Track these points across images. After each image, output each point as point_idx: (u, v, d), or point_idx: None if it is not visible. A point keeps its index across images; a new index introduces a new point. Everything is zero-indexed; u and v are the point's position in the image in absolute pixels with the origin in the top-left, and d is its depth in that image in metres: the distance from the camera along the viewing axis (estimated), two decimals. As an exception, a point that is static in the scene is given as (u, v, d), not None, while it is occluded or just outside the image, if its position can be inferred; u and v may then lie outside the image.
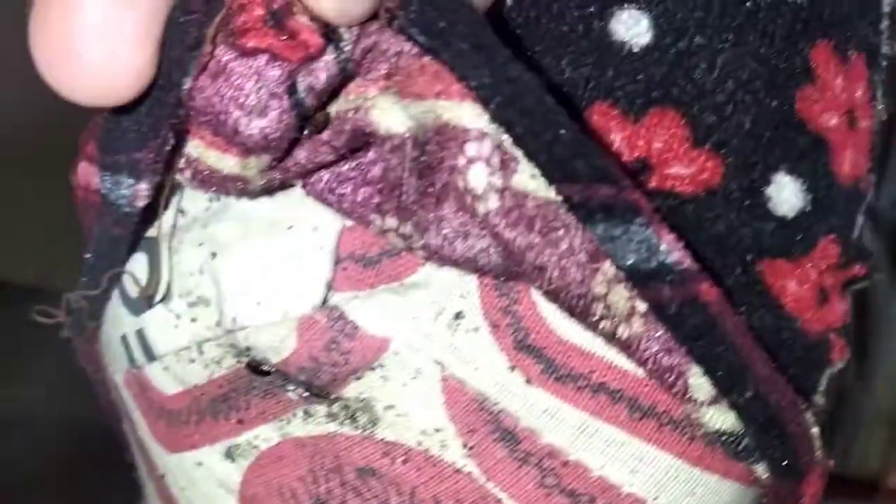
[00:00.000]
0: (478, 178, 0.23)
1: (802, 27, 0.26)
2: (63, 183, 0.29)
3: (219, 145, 0.25)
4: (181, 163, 0.26)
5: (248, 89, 0.23)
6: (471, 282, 0.25)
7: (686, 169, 0.25)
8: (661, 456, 0.25)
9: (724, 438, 0.24)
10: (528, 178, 0.23)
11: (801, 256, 0.26)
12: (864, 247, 0.28)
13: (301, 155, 0.25)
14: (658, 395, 0.25)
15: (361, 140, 0.24)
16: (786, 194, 0.26)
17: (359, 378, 0.26)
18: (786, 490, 0.26)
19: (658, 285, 0.23)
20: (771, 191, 0.26)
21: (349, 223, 0.26)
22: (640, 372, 0.24)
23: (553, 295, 0.24)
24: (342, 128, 0.24)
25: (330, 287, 0.26)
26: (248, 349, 0.27)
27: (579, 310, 0.24)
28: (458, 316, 0.25)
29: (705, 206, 0.25)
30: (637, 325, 0.23)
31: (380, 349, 0.25)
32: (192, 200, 0.28)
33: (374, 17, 0.23)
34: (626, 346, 0.24)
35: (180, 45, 0.24)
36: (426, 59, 0.23)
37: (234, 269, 0.27)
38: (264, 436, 0.27)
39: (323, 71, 0.23)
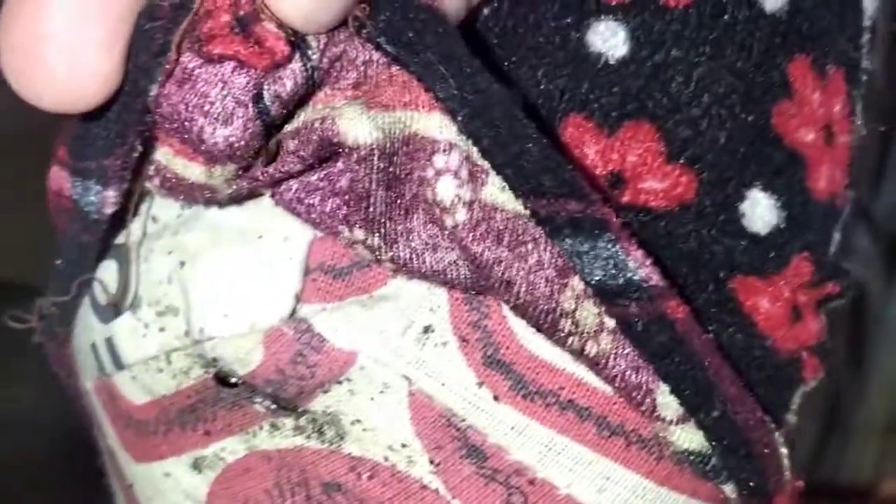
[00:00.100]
0: (446, 190, 0.23)
1: (780, 41, 0.26)
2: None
3: (186, 153, 0.24)
4: (150, 170, 0.26)
5: (214, 97, 0.23)
6: (441, 295, 0.25)
7: (660, 183, 0.25)
8: (628, 475, 0.25)
9: (692, 458, 0.24)
10: (498, 191, 0.23)
11: (773, 274, 0.26)
12: (839, 264, 0.27)
13: (268, 164, 0.25)
14: (627, 414, 0.24)
15: (329, 150, 0.24)
16: (760, 210, 0.26)
17: (326, 391, 0.26)
18: None
19: (625, 302, 0.23)
20: (745, 207, 0.26)
21: (319, 234, 0.26)
22: (609, 390, 0.24)
23: (521, 310, 0.24)
24: (309, 137, 0.24)
25: (298, 298, 0.26)
26: (215, 360, 0.26)
27: (547, 325, 0.23)
28: (427, 330, 0.25)
29: (678, 221, 0.25)
30: (605, 341, 0.23)
31: (346, 363, 0.25)
32: (164, 208, 0.28)
33: (342, 24, 0.23)
34: (595, 363, 0.24)
35: (146, 52, 0.23)
36: (395, 68, 0.23)
37: (203, 279, 0.26)
38: (231, 448, 0.27)
39: (289, 79, 0.23)
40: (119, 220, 0.27)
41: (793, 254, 0.26)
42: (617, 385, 0.24)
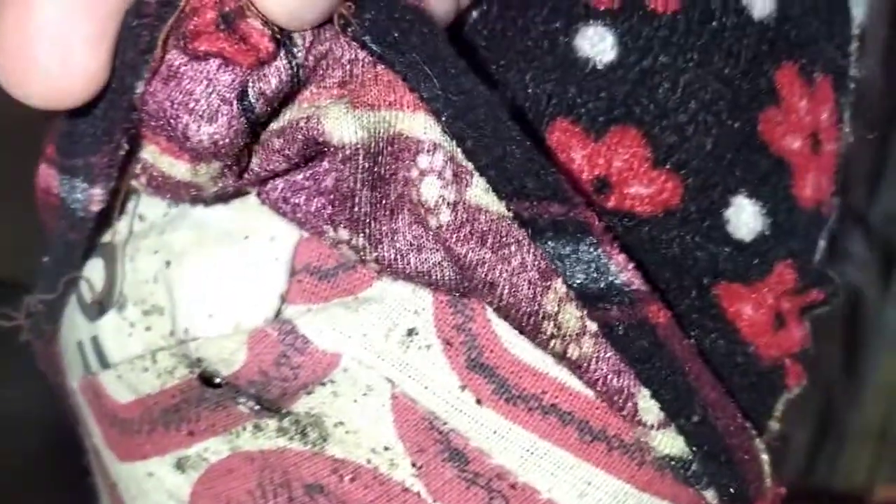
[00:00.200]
0: (430, 190, 0.23)
1: (768, 48, 0.26)
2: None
3: (172, 151, 0.24)
4: (137, 168, 0.26)
5: (199, 94, 0.23)
6: (425, 298, 0.25)
7: (645, 189, 0.25)
8: (610, 480, 0.25)
9: (672, 463, 0.24)
10: (482, 192, 0.23)
11: (757, 281, 0.26)
12: (824, 272, 0.27)
13: (254, 162, 0.25)
14: (609, 419, 0.24)
15: (315, 149, 0.24)
16: (745, 217, 0.26)
17: (309, 393, 0.25)
18: None
19: (606, 306, 0.23)
20: (730, 213, 0.26)
21: (306, 235, 0.26)
22: (591, 394, 0.24)
23: (504, 312, 0.24)
24: (294, 136, 0.24)
25: (284, 299, 0.26)
26: (199, 360, 0.26)
27: (529, 328, 0.23)
28: (411, 332, 0.25)
29: (663, 226, 0.25)
30: (587, 345, 0.23)
31: (330, 365, 0.25)
32: (151, 206, 0.28)
33: (328, 22, 0.23)
34: (577, 367, 0.24)
35: (133, 49, 0.23)
36: (380, 67, 0.23)
37: (188, 279, 0.26)
38: (214, 448, 0.27)
39: (274, 76, 0.23)
40: (106, 218, 0.27)
41: (776, 261, 0.26)
42: (598, 389, 0.24)
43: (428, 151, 0.23)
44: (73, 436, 0.33)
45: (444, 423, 0.25)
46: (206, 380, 0.26)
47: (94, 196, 0.26)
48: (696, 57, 0.25)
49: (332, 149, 0.24)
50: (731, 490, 0.24)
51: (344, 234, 0.24)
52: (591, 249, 0.23)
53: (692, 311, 0.25)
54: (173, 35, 0.23)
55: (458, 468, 0.25)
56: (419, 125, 0.23)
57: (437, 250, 0.24)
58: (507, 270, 0.23)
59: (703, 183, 0.25)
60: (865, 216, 0.94)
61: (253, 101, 0.23)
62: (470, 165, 0.23)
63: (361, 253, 0.24)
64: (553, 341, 0.23)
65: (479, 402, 0.25)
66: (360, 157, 0.23)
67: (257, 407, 0.26)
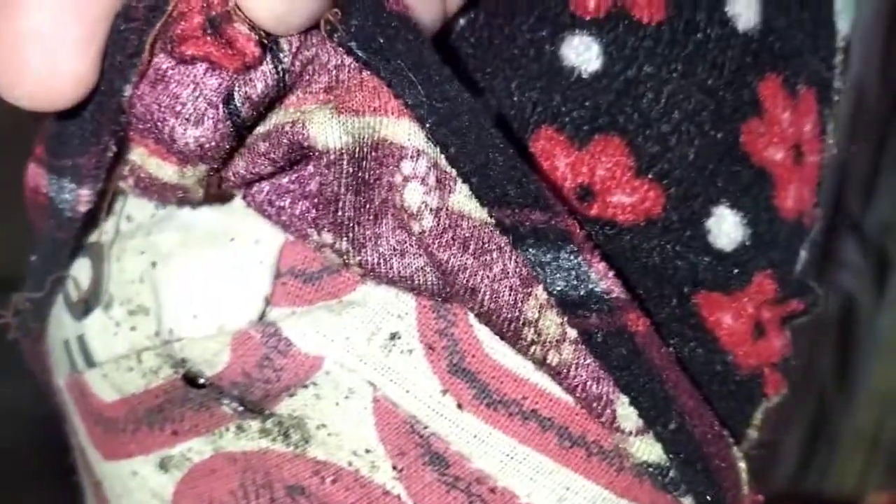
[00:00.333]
0: (413, 196, 0.23)
1: (752, 60, 0.26)
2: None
3: (160, 153, 0.25)
4: (125, 170, 0.26)
5: (185, 98, 0.23)
6: (408, 302, 0.25)
7: (628, 197, 0.25)
8: (588, 486, 0.25)
9: (650, 470, 0.24)
10: (465, 199, 0.23)
11: (737, 290, 0.26)
12: (805, 281, 0.28)
13: (240, 165, 0.25)
14: (588, 425, 0.25)
15: (300, 153, 0.24)
16: (726, 227, 0.26)
17: (292, 395, 0.26)
18: None
19: (586, 313, 0.23)
20: (711, 223, 0.26)
21: (291, 238, 0.26)
22: (571, 400, 0.24)
23: (485, 318, 0.24)
24: (280, 140, 0.24)
25: (268, 302, 0.26)
26: (184, 361, 0.26)
27: (510, 333, 0.24)
28: (394, 337, 0.25)
29: (644, 235, 0.25)
30: (567, 352, 0.23)
31: (313, 367, 0.25)
32: (139, 207, 0.28)
33: (315, 28, 0.23)
34: (556, 373, 0.24)
35: (122, 53, 0.23)
36: (365, 73, 0.23)
37: (174, 280, 0.27)
38: (197, 448, 0.27)
39: (260, 80, 0.23)
40: (93, 218, 0.27)
41: (756, 271, 0.26)
42: (578, 395, 0.24)
43: (411, 157, 0.23)
44: (61, 433, 0.33)
45: (425, 427, 0.25)
46: (191, 380, 0.27)
47: (82, 196, 0.26)
48: (680, 68, 0.25)
49: (316, 153, 0.24)
50: (708, 497, 0.25)
51: (328, 237, 0.25)
52: (572, 257, 0.23)
53: (672, 320, 0.25)
54: (161, 39, 0.23)
55: (439, 472, 0.25)
56: (403, 131, 0.23)
57: (420, 255, 0.24)
58: (488, 276, 0.23)
59: (685, 193, 0.25)
60: (860, 224, 0.95)
61: (239, 104, 0.23)
62: (453, 172, 0.23)
63: (345, 257, 0.25)
64: (533, 347, 0.24)
65: (459, 406, 0.25)
66: (345, 162, 0.24)
67: (241, 408, 0.26)
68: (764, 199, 0.26)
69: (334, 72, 0.23)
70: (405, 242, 0.24)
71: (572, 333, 0.23)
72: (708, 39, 0.26)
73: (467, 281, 0.23)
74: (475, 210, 0.23)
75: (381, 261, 0.24)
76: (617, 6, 0.25)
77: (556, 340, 0.23)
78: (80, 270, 0.28)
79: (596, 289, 0.23)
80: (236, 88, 0.23)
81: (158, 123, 0.24)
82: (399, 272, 0.24)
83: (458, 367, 0.25)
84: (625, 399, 0.23)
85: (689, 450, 0.24)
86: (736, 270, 0.26)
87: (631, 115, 0.25)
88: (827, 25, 0.28)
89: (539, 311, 0.23)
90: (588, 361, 0.23)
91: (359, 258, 0.24)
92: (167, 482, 0.27)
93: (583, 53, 0.25)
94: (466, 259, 0.23)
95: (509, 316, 0.23)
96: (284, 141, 0.24)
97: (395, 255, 0.24)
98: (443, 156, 0.23)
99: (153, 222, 0.28)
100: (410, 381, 0.25)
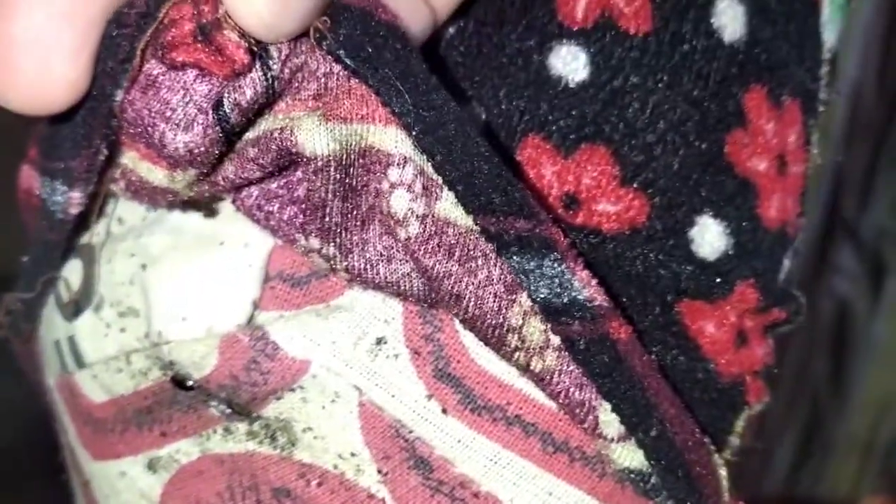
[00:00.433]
0: (399, 202, 0.23)
1: (738, 71, 0.26)
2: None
3: (150, 157, 0.25)
4: (116, 173, 0.26)
5: (175, 103, 0.24)
6: (395, 307, 0.25)
7: (613, 206, 0.26)
8: (571, 491, 0.25)
9: (632, 476, 0.25)
10: (451, 206, 0.23)
11: (719, 299, 0.26)
12: (788, 290, 0.28)
13: (229, 170, 0.25)
14: (571, 431, 0.25)
15: (288, 159, 0.25)
16: (709, 237, 0.26)
17: (279, 398, 0.26)
18: None
19: (569, 320, 0.23)
20: (694, 233, 0.26)
21: (280, 242, 0.26)
22: (555, 406, 0.25)
23: (470, 324, 0.24)
24: (269, 146, 0.24)
25: (256, 305, 0.26)
26: (172, 363, 0.27)
27: (494, 340, 0.24)
28: (380, 341, 0.25)
29: (628, 244, 0.26)
30: (550, 358, 0.24)
31: (299, 371, 0.26)
32: (130, 210, 0.28)
33: (304, 35, 0.23)
34: (540, 379, 0.24)
35: (113, 58, 0.24)
36: (354, 81, 0.23)
37: (163, 283, 0.27)
38: (185, 450, 0.27)
39: (249, 87, 0.23)
40: (85, 220, 0.28)
41: (739, 280, 0.27)
42: (561, 401, 0.24)
43: (398, 165, 0.23)
44: (52, 432, 0.33)
45: (410, 432, 0.25)
46: (179, 382, 0.27)
47: (74, 199, 0.26)
48: (665, 78, 0.26)
49: (304, 159, 0.24)
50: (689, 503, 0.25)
51: (315, 242, 0.25)
52: (556, 265, 0.23)
53: (655, 328, 0.26)
54: (152, 45, 0.23)
55: (423, 476, 0.25)
56: (390, 139, 0.23)
57: (407, 261, 0.24)
58: (473, 283, 0.23)
59: (670, 202, 0.26)
60: (856, 229, 0.95)
61: (228, 111, 0.23)
62: (439, 179, 0.23)
63: (332, 262, 0.25)
64: (517, 353, 0.24)
65: (444, 411, 0.25)
66: (332, 169, 0.24)
67: (228, 410, 0.26)
68: (747, 208, 0.27)
69: (323, 79, 0.24)
70: (392, 248, 0.24)
71: (556, 340, 0.23)
72: (694, 51, 0.26)
73: (452, 287, 0.23)
74: (461, 217, 0.23)
75: (368, 266, 0.24)
76: (604, 17, 0.26)
77: (540, 347, 0.23)
78: (72, 272, 0.29)
79: (579, 296, 0.23)
80: (226, 95, 0.23)
81: (149, 128, 0.24)
82: (385, 277, 0.24)
83: (443, 372, 0.25)
84: (607, 406, 0.24)
85: (670, 457, 0.24)
86: (718, 279, 0.26)
87: (617, 124, 0.26)
88: (813, 37, 0.28)
89: (523, 318, 0.23)
90: (571, 368, 0.24)
91: (346, 263, 0.25)
92: (155, 483, 0.28)
93: (570, 63, 0.26)
94: (452, 265, 0.23)
95: (493, 322, 0.24)
96: (273, 147, 0.24)
97: (382, 261, 0.24)
98: (429, 163, 0.23)
99: (144, 225, 0.28)
100: (396, 386, 0.25)
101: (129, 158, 0.25)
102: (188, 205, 0.27)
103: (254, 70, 0.23)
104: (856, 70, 0.83)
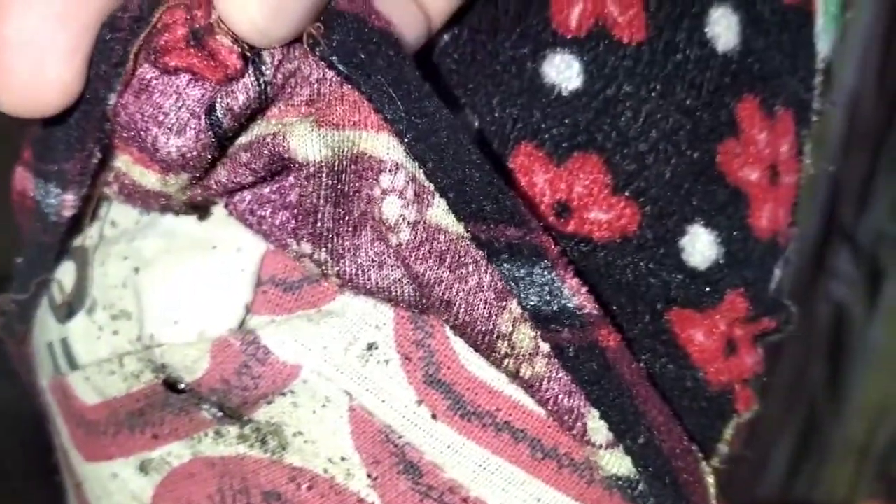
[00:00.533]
0: (391, 209, 0.24)
1: (731, 81, 0.26)
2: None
3: (143, 161, 0.25)
4: (109, 176, 0.26)
5: (168, 108, 0.24)
6: (386, 313, 0.25)
7: (604, 214, 0.26)
8: (559, 497, 0.25)
9: (620, 483, 0.25)
10: (443, 213, 0.23)
11: (709, 308, 0.26)
12: (778, 300, 0.28)
13: (222, 174, 0.25)
14: (560, 437, 0.25)
15: (280, 164, 0.25)
16: (700, 246, 0.26)
17: (270, 402, 0.26)
18: None
19: (558, 328, 0.23)
20: (685, 242, 0.26)
21: (272, 246, 0.26)
22: (544, 413, 0.25)
23: (460, 330, 0.24)
24: (261, 151, 0.24)
25: (248, 310, 0.26)
26: (164, 366, 0.27)
27: (484, 346, 0.24)
28: (371, 347, 0.25)
29: (619, 252, 0.26)
30: (539, 365, 0.24)
31: (290, 376, 0.26)
32: (123, 213, 0.28)
33: (297, 41, 0.24)
34: (529, 386, 0.24)
35: (107, 62, 0.24)
36: (346, 87, 0.23)
37: (156, 286, 0.27)
38: (176, 452, 0.27)
39: (242, 92, 0.23)
40: (79, 222, 0.28)
41: (729, 289, 0.27)
42: (550, 408, 0.24)
43: (390, 171, 0.23)
44: (45, 433, 0.33)
45: (400, 437, 0.25)
46: (171, 385, 0.27)
47: (67, 201, 0.26)
48: (658, 87, 0.26)
49: (297, 165, 0.24)
50: None
51: (307, 247, 0.25)
52: (546, 273, 0.23)
53: (644, 336, 0.26)
54: (145, 49, 0.24)
55: (413, 481, 0.25)
56: (382, 145, 0.23)
57: (398, 267, 0.24)
58: (463, 290, 0.23)
59: (661, 211, 0.26)
60: (853, 233, 0.95)
61: (221, 115, 0.24)
62: (431, 186, 0.23)
63: (323, 267, 0.25)
64: (507, 360, 0.24)
65: (434, 416, 0.25)
66: (324, 175, 0.24)
67: (220, 414, 0.26)
68: (738, 218, 0.27)
69: (316, 85, 0.24)
70: (383, 254, 0.24)
71: (545, 347, 0.24)
72: (687, 60, 0.26)
73: (443, 293, 0.24)
74: (452, 224, 0.23)
75: (360, 272, 0.25)
76: (598, 26, 0.26)
77: (530, 354, 0.24)
78: (65, 274, 0.29)
79: (568, 304, 0.23)
80: (218, 99, 0.23)
81: (142, 132, 0.24)
82: (377, 283, 0.25)
83: (433, 377, 0.25)
84: (595, 413, 0.24)
85: (658, 464, 0.24)
86: (708, 288, 0.26)
87: (609, 133, 0.26)
88: (806, 47, 0.28)
89: (513, 325, 0.23)
90: (560, 375, 0.24)
91: (337, 269, 0.25)
92: (146, 485, 0.28)
93: (564, 71, 0.26)
94: (442, 272, 0.23)
95: (483, 329, 0.24)
96: (265, 152, 0.24)
97: (373, 267, 0.24)
98: (421, 170, 0.23)
99: (137, 228, 0.28)
100: (386, 391, 0.25)
101: (123, 162, 0.25)
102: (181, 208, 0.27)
103: (247, 75, 0.23)
104: (854, 79, 0.83)
